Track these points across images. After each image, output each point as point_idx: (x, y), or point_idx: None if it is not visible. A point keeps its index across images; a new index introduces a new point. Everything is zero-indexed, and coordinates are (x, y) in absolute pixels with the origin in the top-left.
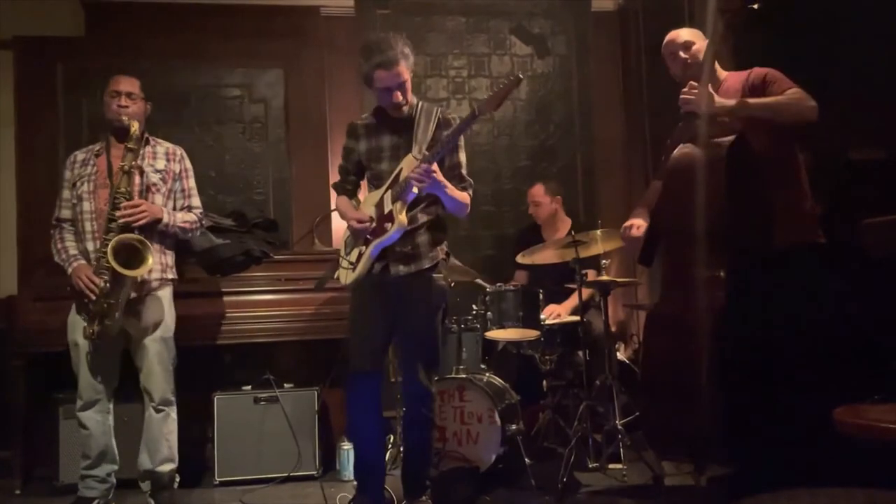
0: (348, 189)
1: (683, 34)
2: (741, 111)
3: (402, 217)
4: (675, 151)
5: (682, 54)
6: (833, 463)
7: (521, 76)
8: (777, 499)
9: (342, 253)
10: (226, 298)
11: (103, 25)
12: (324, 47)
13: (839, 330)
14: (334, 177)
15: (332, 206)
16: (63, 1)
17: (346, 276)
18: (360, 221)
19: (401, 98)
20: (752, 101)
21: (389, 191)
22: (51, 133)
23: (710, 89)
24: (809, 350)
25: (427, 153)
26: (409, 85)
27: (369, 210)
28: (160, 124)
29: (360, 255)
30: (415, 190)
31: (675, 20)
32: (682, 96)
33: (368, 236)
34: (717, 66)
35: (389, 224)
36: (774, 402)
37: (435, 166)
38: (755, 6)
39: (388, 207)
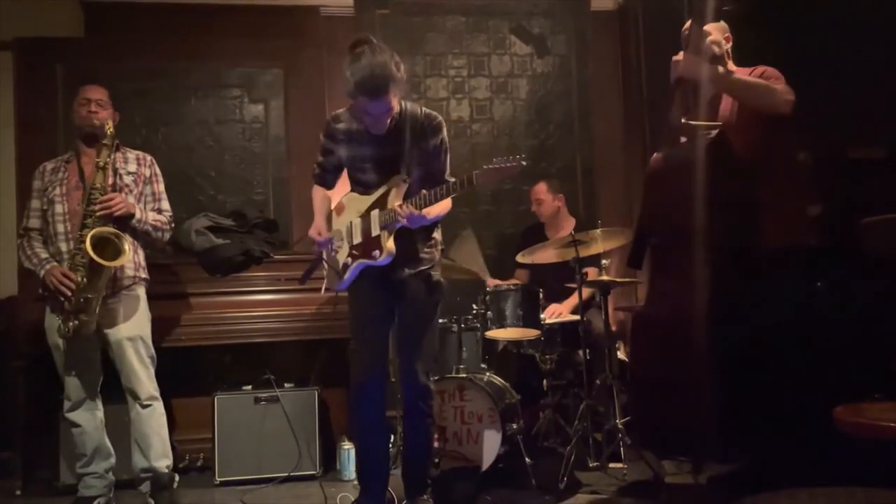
0: (328, 179)
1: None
2: (720, 83)
3: (390, 245)
4: (654, 155)
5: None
6: (833, 462)
7: (524, 161)
8: (777, 497)
9: (325, 255)
10: (226, 298)
11: (102, 26)
12: (323, 47)
13: (839, 329)
14: None
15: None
16: (62, 2)
17: (335, 281)
18: (319, 236)
19: (385, 122)
20: (732, 77)
21: (377, 210)
22: (50, 134)
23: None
24: (809, 349)
25: (414, 186)
26: (395, 104)
27: (352, 214)
28: (159, 124)
29: (345, 267)
30: (403, 221)
31: (675, 19)
32: (673, 59)
33: (354, 251)
34: (728, 61)
35: (378, 252)
36: (774, 402)
37: (425, 210)
38: (725, 7)
39: (375, 230)
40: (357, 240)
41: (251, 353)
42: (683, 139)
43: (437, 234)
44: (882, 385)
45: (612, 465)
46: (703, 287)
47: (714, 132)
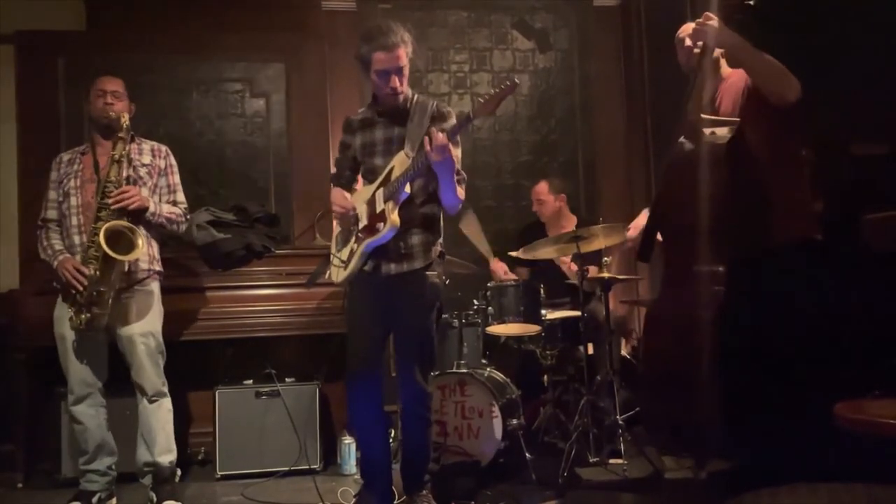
0: (343, 183)
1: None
2: (739, 51)
3: (395, 217)
4: (675, 147)
5: (688, 42)
6: (833, 458)
7: (517, 81)
8: (777, 493)
9: (333, 250)
10: (227, 293)
11: (104, 19)
12: (325, 41)
13: (840, 325)
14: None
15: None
16: None
17: (337, 273)
18: (342, 207)
19: (397, 83)
20: (749, 48)
21: (381, 188)
22: (52, 127)
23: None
24: (810, 345)
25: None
26: (406, 72)
27: (360, 206)
28: (161, 119)
29: (351, 254)
30: (407, 189)
31: (677, 15)
32: (696, 24)
33: (360, 234)
34: (722, 63)
35: (382, 224)
36: (775, 398)
37: (451, 147)
38: (751, 2)
39: (379, 206)
40: (363, 223)
41: (252, 348)
42: (701, 132)
43: (438, 235)
44: (883, 382)
45: (612, 460)
46: (717, 282)
47: (731, 128)
